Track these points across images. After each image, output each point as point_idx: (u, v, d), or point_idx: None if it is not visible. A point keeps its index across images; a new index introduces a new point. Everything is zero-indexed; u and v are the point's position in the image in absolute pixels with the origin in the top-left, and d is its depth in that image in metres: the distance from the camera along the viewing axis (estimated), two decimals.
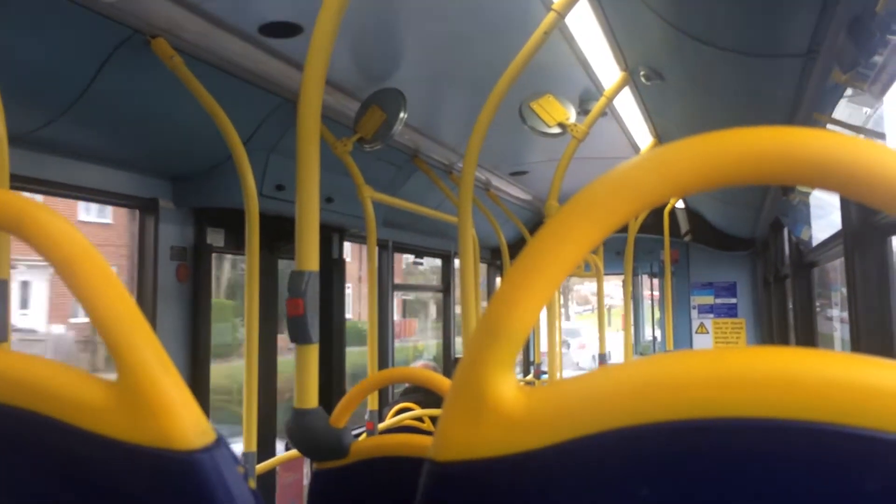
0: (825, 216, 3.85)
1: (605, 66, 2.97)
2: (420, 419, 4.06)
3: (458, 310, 6.42)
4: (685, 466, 0.45)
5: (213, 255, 3.41)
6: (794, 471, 0.43)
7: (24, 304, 14.12)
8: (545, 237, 0.48)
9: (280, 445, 3.92)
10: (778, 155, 0.43)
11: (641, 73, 2.78)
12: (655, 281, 8.43)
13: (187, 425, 0.55)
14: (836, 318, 4.57)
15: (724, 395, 0.43)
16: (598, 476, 0.47)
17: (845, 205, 2.40)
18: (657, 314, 8.69)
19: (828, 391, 0.42)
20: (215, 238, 3.42)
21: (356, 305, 15.44)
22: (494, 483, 0.50)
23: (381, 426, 3.50)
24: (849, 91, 2.13)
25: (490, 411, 0.49)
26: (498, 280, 7.61)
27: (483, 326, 0.49)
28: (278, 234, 3.55)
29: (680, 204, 6.58)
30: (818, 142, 0.43)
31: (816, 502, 0.43)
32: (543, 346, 6.60)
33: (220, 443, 0.57)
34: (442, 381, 1.65)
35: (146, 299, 3.05)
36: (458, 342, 6.41)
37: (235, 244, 3.56)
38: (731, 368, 0.44)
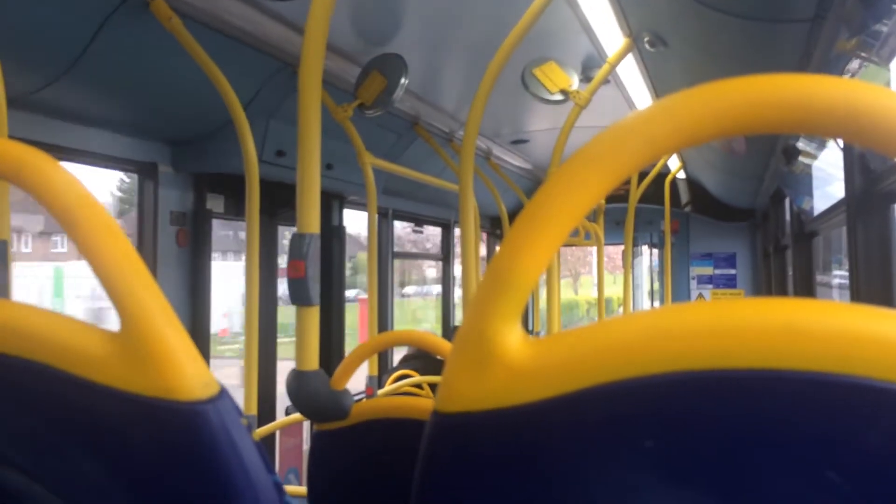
0: (820, 187, 3.84)
1: (609, 32, 2.94)
2: (419, 386, 4.08)
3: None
4: (689, 417, 0.45)
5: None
6: (799, 421, 0.43)
7: None
8: (554, 186, 0.48)
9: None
10: (791, 102, 0.43)
11: (645, 39, 2.75)
12: (655, 251, 8.42)
13: (191, 376, 0.55)
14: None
15: (730, 346, 0.43)
16: (604, 427, 0.47)
17: (849, 172, 2.38)
18: (656, 284, 8.71)
19: (834, 342, 0.41)
20: (215, 203, 3.41)
21: None
22: (500, 434, 0.49)
23: (380, 392, 3.51)
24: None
25: (496, 362, 0.49)
26: (497, 249, 7.60)
27: (489, 277, 0.49)
28: (278, 199, 3.54)
29: (681, 174, 6.56)
30: (835, 89, 0.42)
31: (822, 453, 0.42)
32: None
33: (224, 395, 0.56)
34: (442, 344, 1.65)
35: (146, 264, 3.04)
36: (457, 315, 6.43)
37: (235, 210, 3.55)
38: (737, 319, 0.44)
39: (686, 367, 0.44)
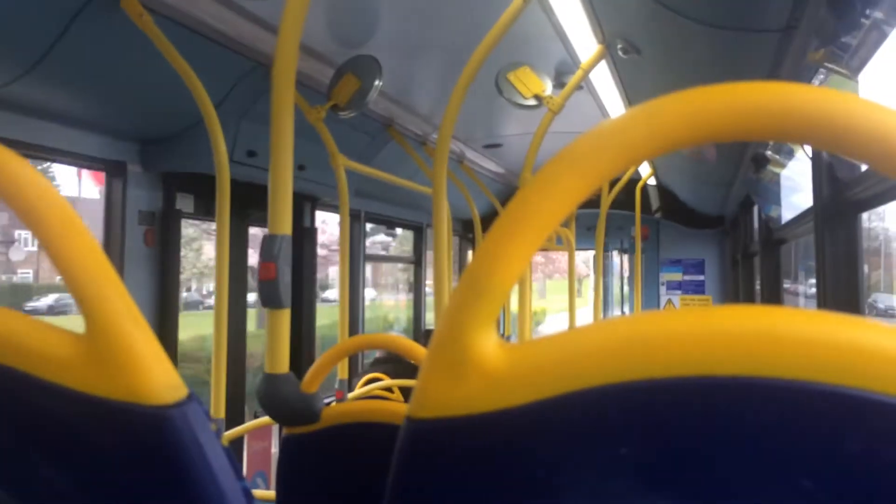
0: (787, 196, 3.90)
1: (583, 39, 2.95)
2: (390, 389, 4.07)
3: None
4: (664, 425, 0.45)
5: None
6: (774, 430, 0.43)
7: None
8: (529, 192, 0.47)
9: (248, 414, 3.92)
10: (771, 110, 0.43)
11: (618, 46, 2.77)
12: (625, 257, 8.49)
13: (158, 380, 0.53)
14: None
15: (706, 353, 0.43)
16: (578, 434, 0.47)
17: (817, 181, 2.42)
18: (626, 290, 8.78)
19: (811, 349, 0.41)
20: (184, 203, 3.37)
21: None
22: (474, 440, 0.49)
23: (350, 396, 3.50)
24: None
25: (471, 368, 0.48)
26: (469, 253, 7.62)
27: (465, 282, 0.48)
28: (249, 200, 3.51)
29: (652, 181, 6.62)
30: (808, 96, 0.42)
31: (797, 462, 0.42)
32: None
33: (192, 399, 0.55)
34: (414, 348, 1.64)
35: (113, 264, 2.99)
36: (429, 316, 6.42)
37: (205, 210, 3.51)
38: (713, 326, 0.44)
39: (662, 374, 0.44)
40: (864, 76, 1.82)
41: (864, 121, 0.41)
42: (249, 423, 3.31)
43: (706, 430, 0.44)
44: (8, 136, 2.53)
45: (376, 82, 2.95)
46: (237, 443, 3.58)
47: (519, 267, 0.48)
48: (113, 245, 3.04)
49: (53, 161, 2.84)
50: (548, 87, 3.13)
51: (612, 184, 5.48)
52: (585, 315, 9.59)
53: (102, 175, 3.08)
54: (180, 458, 0.53)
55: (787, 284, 4.54)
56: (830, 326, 0.42)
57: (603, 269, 5.71)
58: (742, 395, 0.43)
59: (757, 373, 0.42)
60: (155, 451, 0.53)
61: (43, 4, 2.07)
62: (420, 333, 6.25)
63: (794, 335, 0.42)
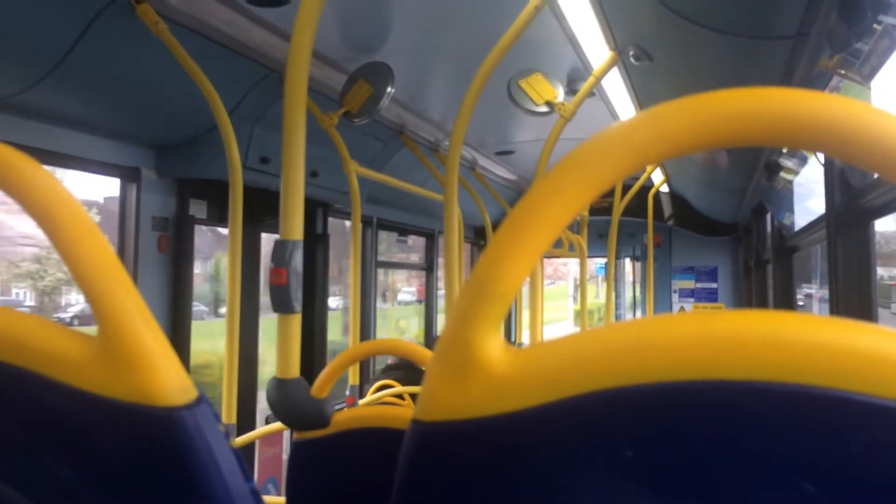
0: (800, 202, 3.88)
1: (595, 46, 2.96)
2: (401, 396, 4.07)
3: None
4: (669, 428, 0.45)
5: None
6: (778, 434, 0.43)
7: None
8: (537, 194, 0.47)
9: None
10: (774, 115, 0.43)
11: (630, 52, 2.77)
12: (637, 264, 8.47)
13: (169, 381, 0.54)
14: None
15: (712, 357, 0.43)
16: (585, 437, 0.47)
17: (829, 188, 2.41)
18: (638, 297, 8.75)
19: (815, 354, 0.41)
20: (198, 209, 3.39)
21: None
22: (479, 443, 0.49)
23: (361, 402, 3.50)
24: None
25: (477, 371, 0.48)
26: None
27: (471, 284, 0.49)
28: (261, 206, 3.53)
29: (664, 188, 6.60)
30: (817, 102, 0.42)
31: (799, 465, 0.42)
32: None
33: (202, 401, 0.56)
34: (425, 354, 1.64)
35: (127, 269, 3.01)
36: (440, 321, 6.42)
37: (218, 216, 3.54)
38: (719, 330, 0.44)
39: (668, 377, 0.44)
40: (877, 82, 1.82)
41: (873, 129, 0.41)
42: (261, 429, 3.32)
43: (710, 433, 0.44)
44: (22, 143, 2.55)
45: (389, 89, 2.96)
46: (249, 450, 3.59)
47: (525, 269, 0.48)
48: (127, 250, 3.06)
49: (67, 167, 2.86)
50: (560, 94, 3.13)
51: (625, 191, 5.47)
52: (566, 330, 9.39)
53: None
54: (189, 459, 0.54)
55: (811, 290, 4.51)
56: (833, 331, 0.42)
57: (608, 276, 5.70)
58: (746, 400, 0.43)
59: (760, 377, 0.42)
60: (164, 451, 0.54)
61: (59, 12, 2.09)
62: (432, 339, 6.25)
63: (797, 340, 0.42)
